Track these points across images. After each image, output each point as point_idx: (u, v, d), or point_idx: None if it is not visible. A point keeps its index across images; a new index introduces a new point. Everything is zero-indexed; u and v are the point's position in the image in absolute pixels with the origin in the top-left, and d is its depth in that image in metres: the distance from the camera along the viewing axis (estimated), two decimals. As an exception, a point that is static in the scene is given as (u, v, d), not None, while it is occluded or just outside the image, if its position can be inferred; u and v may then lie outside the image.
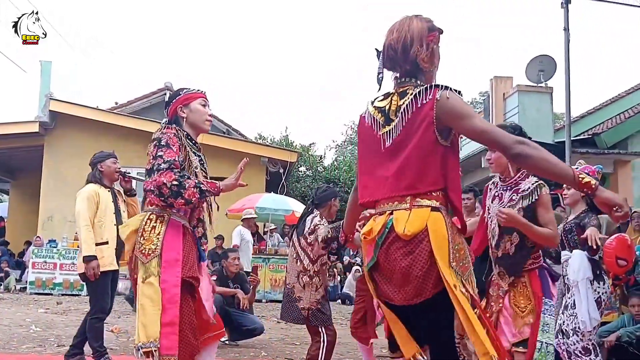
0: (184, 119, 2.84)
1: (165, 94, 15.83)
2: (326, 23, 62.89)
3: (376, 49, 2.16)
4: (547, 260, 3.40)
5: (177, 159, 2.64)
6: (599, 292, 3.85)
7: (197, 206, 2.78)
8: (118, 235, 4.31)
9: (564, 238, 4.08)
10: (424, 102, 1.98)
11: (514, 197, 3.07)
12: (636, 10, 6.82)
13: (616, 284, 5.45)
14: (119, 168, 4.54)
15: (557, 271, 4.00)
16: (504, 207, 3.07)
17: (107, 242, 4.38)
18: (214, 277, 6.28)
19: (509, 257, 3.09)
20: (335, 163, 22.67)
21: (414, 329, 2.02)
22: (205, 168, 2.88)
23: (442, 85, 2.00)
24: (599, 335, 4.85)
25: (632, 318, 5.01)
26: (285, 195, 13.21)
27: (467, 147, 13.61)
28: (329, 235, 3.93)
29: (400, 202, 2.00)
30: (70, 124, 13.03)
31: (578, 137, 10.31)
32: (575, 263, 3.90)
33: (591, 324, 3.75)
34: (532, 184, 3.04)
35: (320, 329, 3.99)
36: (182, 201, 2.59)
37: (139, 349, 2.53)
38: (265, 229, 12.66)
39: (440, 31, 2.14)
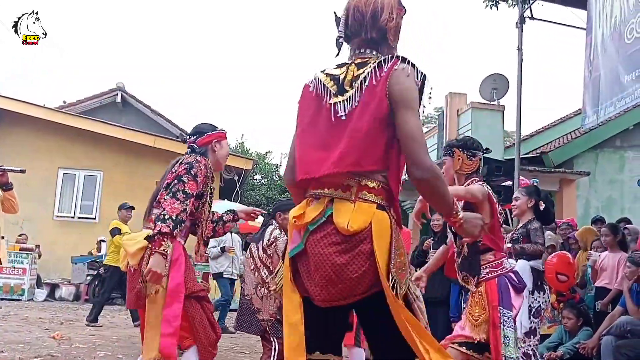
0: (214, 153, 3.08)
1: (116, 94, 15.47)
2: (285, 32, 63.06)
3: (335, 12, 2.01)
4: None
5: (197, 192, 2.84)
6: (539, 302, 4.01)
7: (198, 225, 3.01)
8: None
9: (511, 248, 4.22)
10: (383, 73, 1.83)
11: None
12: (584, 34, 7.09)
13: (560, 300, 5.65)
14: None
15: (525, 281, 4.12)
16: None
17: None
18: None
19: (466, 259, 3.14)
20: (290, 172, 22.63)
21: (323, 333, 1.91)
22: (211, 201, 3.09)
23: (407, 59, 1.86)
24: (547, 349, 5.04)
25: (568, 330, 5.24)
26: (239, 203, 13.08)
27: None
28: None
29: (343, 190, 1.84)
30: (16, 122, 12.54)
31: (527, 155, 10.67)
32: (518, 272, 4.03)
33: (520, 332, 3.85)
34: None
35: (272, 339, 3.99)
36: (152, 228, 2.72)
37: None
38: (218, 236, 12.48)
39: (406, 10, 2.03)
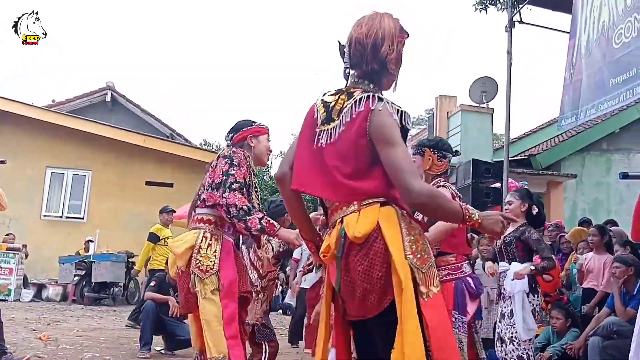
0: (252, 148, 3.09)
1: (106, 93, 15.40)
2: (275, 32, 63.00)
3: (339, 41, 2.04)
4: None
5: (246, 181, 2.86)
6: (533, 304, 4.03)
7: (254, 235, 2.93)
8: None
9: (503, 250, 4.24)
10: (360, 110, 1.89)
11: None
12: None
13: (548, 301, 5.71)
14: None
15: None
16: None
17: None
18: (153, 283, 6.14)
19: None
20: (280, 173, 22.58)
21: (368, 347, 1.94)
22: (257, 194, 3.08)
23: (379, 97, 1.91)
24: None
25: (555, 331, 5.27)
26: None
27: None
28: (281, 250, 3.85)
29: (347, 206, 1.90)
30: (3, 121, 12.44)
31: (515, 158, 10.76)
32: (512, 276, 4.04)
33: (527, 335, 3.90)
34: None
35: (263, 342, 3.96)
36: (243, 226, 2.76)
37: None
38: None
39: (408, 34, 2.05)
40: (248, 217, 2.73)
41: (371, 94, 1.92)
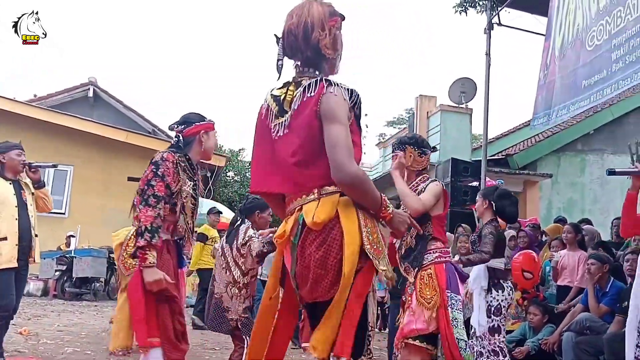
0: (201, 144, 3.04)
1: (88, 89, 15.31)
2: (261, 29, 62.79)
3: (275, 35, 2.06)
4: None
5: (171, 190, 2.79)
6: (498, 300, 4.12)
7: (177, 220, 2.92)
8: (22, 231, 4.16)
9: (471, 247, 4.38)
10: (312, 95, 1.91)
11: None
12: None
13: (525, 297, 5.84)
14: (24, 160, 4.31)
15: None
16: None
17: (5, 238, 4.08)
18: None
19: (412, 250, 3.19)
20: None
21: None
22: (196, 193, 3.02)
23: (333, 82, 1.93)
24: (508, 342, 5.20)
25: (531, 326, 5.34)
26: (212, 200, 13.10)
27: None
28: (264, 250, 3.85)
29: (307, 194, 1.94)
30: (-16, 115, 12.34)
31: (493, 157, 10.86)
32: (473, 273, 4.15)
33: (480, 330, 4.02)
34: (428, 182, 3.25)
35: (245, 337, 3.96)
36: (136, 248, 2.70)
37: (110, 355, 2.72)
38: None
39: (342, 17, 2.05)
40: (139, 238, 2.68)
41: (319, 78, 1.95)
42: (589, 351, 4.53)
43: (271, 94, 2.07)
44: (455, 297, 3.07)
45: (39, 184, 4.42)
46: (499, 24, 8.54)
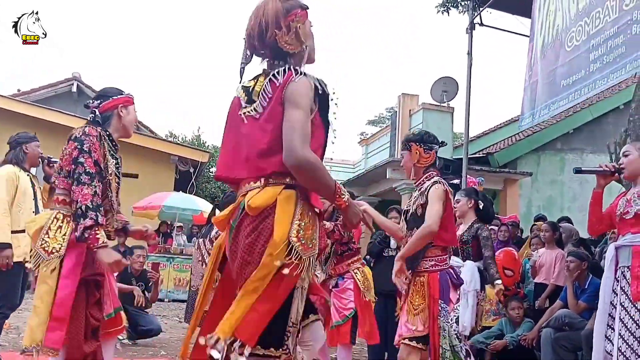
0: (120, 119, 2.86)
1: (72, 84, 15.15)
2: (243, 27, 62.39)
3: (243, 38, 2.07)
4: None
5: (95, 170, 2.63)
6: (477, 299, 4.23)
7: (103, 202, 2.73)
8: None
9: (459, 247, 4.33)
10: (279, 83, 1.93)
11: (416, 195, 3.27)
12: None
13: (506, 294, 5.93)
14: (42, 153, 4.23)
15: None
16: (409, 206, 3.27)
17: (24, 231, 3.96)
18: (116, 273, 6.19)
19: None
20: (247, 166, 22.56)
21: None
22: (119, 171, 2.88)
23: (299, 71, 1.95)
24: (485, 338, 5.28)
25: (510, 322, 5.39)
26: (194, 195, 13.08)
27: (373, 159, 14.13)
28: None
29: (255, 181, 1.95)
30: (-35, 109, 12.16)
31: (474, 155, 10.95)
32: (468, 274, 4.17)
33: (466, 330, 4.09)
34: (430, 183, 3.23)
35: None
36: (74, 227, 2.62)
37: (23, 352, 2.57)
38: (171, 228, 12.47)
39: (303, 7, 2.04)
40: (81, 220, 2.55)
41: (287, 67, 1.96)
42: (567, 347, 4.58)
43: (242, 86, 2.08)
44: (446, 307, 3.10)
45: (50, 179, 4.38)
46: (481, 24, 8.65)
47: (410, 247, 3.14)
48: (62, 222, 2.67)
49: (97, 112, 2.84)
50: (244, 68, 2.05)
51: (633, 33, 5.07)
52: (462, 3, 9.19)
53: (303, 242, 1.86)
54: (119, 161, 2.87)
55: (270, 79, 1.96)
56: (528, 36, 7.60)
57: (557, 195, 11.61)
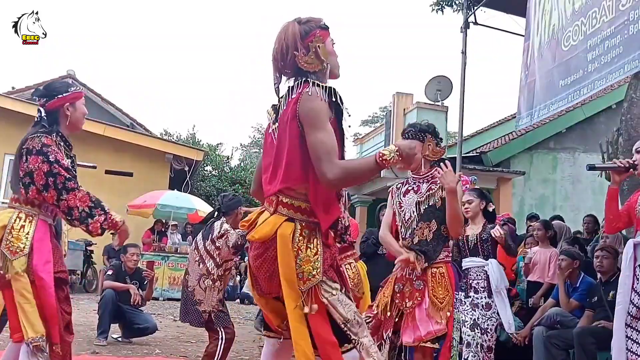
0: (67, 118, 2.84)
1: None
2: (238, 25, 62.42)
3: (271, 60, 2.18)
4: None
5: (72, 175, 2.68)
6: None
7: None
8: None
9: (479, 246, 4.31)
10: (294, 96, 2.04)
11: (432, 187, 3.19)
12: (523, 40, 7.51)
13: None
14: None
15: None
16: (422, 197, 3.19)
17: None
18: (110, 272, 6.20)
19: (427, 243, 3.15)
20: (242, 164, 22.59)
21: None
22: (75, 169, 2.89)
23: (313, 82, 2.03)
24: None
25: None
26: (189, 193, 13.07)
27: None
28: (239, 242, 3.96)
29: (269, 204, 2.10)
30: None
31: (467, 154, 10.96)
32: (496, 272, 4.17)
33: (511, 327, 4.16)
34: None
35: (219, 329, 4.03)
36: (85, 229, 2.68)
37: (29, 344, 2.60)
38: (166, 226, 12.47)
39: (323, 27, 2.13)
40: (90, 221, 2.64)
41: (303, 79, 2.06)
42: (559, 345, 4.60)
43: (272, 105, 2.20)
44: (458, 298, 3.14)
45: None
46: (475, 22, 8.70)
47: (457, 209, 3.09)
48: (25, 221, 2.70)
49: (43, 112, 2.81)
50: (278, 88, 2.15)
51: (630, 33, 5.08)
52: (457, 2, 9.24)
53: (301, 276, 2.01)
54: (73, 160, 2.91)
55: (286, 93, 2.09)
56: (522, 35, 7.63)
57: (550, 194, 11.66)
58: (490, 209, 4.40)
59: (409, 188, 3.30)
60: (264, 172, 2.16)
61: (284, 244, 2.01)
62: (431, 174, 3.22)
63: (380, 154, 2.04)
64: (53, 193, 2.64)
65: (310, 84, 2.02)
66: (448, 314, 3.04)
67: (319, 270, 2.03)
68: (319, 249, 2.05)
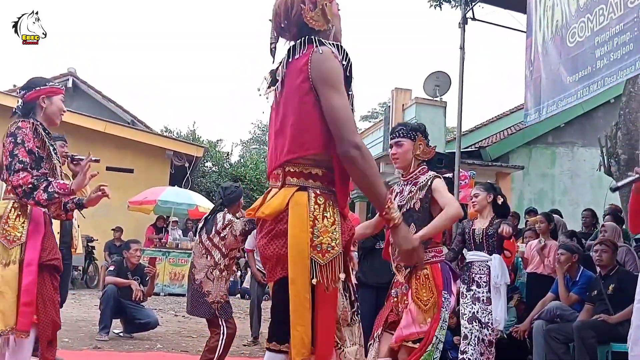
0: (42, 109, 2.95)
1: (67, 79, 15.13)
2: (238, 25, 62.28)
3: (269, 19, 2.02)
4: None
5: (30, 159, 2.76)
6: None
7: (48, 206, 2.89)
8: (63, 224, 4.26)
9: (484, 241, 4.33)
10: (298, 56, 1.85)
11: (412, 189, 3.14)
12: (522, 36, 7.51)
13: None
14: (67, 151, 4.30)
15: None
16: (404, 201, 3.11)
17: None
18: (112, 268, 6.24)
19: None
20: (242, 160, 22.62)
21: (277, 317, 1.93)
22: (58, 158, 2.99)
23: (319, 41, 1.85)
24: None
25: None
26: (189, 189, 13.11)
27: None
28: (246, 228, 3.98)
29: (276, 179, 1.91)
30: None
31: (466, 149, 10.98)
32: (498, 268, 4.20)
33: (501, 325, 4.18)
34: (428, 177, 3.12)
35: (221, 322, 4.04)
36: (34, 203, 2.75)
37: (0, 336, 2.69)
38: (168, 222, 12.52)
39: None
40: (34, 193, 2.70)
41: (307, 37, 1.87)
42: (559, 338, 4.64)
43: (269, 71, 2.02)
44: (448, 298, 3.06)
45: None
46: (473, 18, 8.68)
47: (438, 226, 2.97)
48: (20, 211, 2.82)
49: (21, 102, 2.97)
50: (274, 48, 1.97)
51: (640, 30, 5.07)
52: (455, -3, 9.24)
53: (319, 249, 1.81)
54: (55, 148, 2.99)
55: (288, 52, 1.89)
56: (521, 31, 7.62)
57: (549, 188, 11.68)
58: (500, 202, 4.38)
59: (398, 191, 3.27)
60: (271, 145, 1.97)
61: (299, 212, 1.81)
62: (415, 175, 3.17)
63: (390, 207, 1.87)
64: (8, 175, 2.76)
65: (323, 44, 1.84)
66: (432, 315, 3.00)
67: (338, 242, 1.84)
68: (337, 218, 1.87)
